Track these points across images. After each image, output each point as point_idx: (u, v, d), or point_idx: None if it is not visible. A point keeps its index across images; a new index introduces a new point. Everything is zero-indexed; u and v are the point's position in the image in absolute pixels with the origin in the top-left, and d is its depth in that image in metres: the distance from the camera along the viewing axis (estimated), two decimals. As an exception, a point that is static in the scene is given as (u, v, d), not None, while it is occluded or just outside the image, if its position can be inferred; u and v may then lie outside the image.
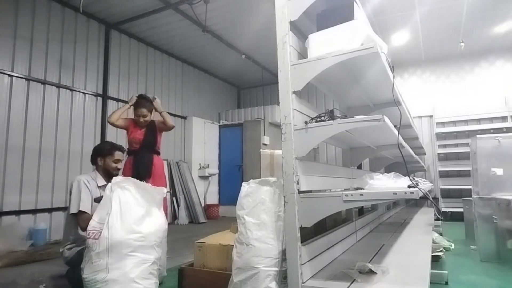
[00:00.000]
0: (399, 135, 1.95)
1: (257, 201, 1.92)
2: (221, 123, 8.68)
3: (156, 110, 3.20)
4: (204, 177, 7.77)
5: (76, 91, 5.37)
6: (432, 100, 7.29)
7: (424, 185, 3.08)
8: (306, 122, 1.75)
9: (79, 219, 2.29)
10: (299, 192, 1.69)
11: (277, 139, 5.79)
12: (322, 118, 1.74)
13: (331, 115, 1.72)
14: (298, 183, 1.69)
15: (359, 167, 3.09)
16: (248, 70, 8.49)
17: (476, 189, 3.58)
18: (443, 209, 6.59)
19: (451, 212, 6.45)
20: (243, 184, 2.03)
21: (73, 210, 2.30)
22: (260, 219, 1.88)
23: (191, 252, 2.71)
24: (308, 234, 1.91)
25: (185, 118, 7.74)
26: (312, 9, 1.88)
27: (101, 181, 2.51)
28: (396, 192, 1.54)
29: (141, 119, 3.08)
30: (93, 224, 1.89)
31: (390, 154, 3.19)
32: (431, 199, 1.84)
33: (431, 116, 7.17)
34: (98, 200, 2.36)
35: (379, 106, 2.61)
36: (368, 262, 1.87)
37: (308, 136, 1.72)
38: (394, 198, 1.66)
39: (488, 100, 6.82)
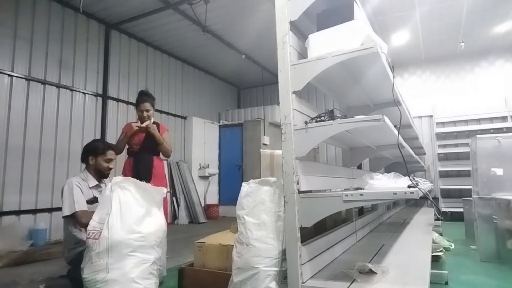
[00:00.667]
0: (399, 135, 1.95)
1: (257, 201, 1.92)
2: (221, 123, 8.68)
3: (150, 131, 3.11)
4: (204, 177, 7.77)
5: (76, 91, 5.37)
6: (432, 100, 7.29)
7: (424, 185, 3.08)
8: (306, 122, 1.75)
9: (79, 217, 2.23)
10: (299, 192, 1.69)
11: (277, 139, 5.78)
12: (322, 118, 1.74)
13: (331, 115, 1.72)
14: (298, 183, 1.69)
15: (359, 167, 3.08)
16: (248, 70, 8.49)
17: (476, 189, 3.58)
18: (443, 209, 6.59)
19: (451, 212, 6.45)
20: (243, 184, 2.03)
21: (66, 212, 2.25)
22: (260, 219, 1.88)
23: (191, 252, 2.71)
24: (308, 234, 1.91)
25: (185, 118, 7.74)
26: (312, 9, 1.88)
27: (92, 182, 2.46)
28: (396, 192, 1.54)
29: (145, 114, 3.08)
30: (93, 224, 1.88)
31: (390, 154, 3.19)
32: (431, 199, 1.84)
33: (431, 116, 7.17)
34: (90, 201, 2.35)
35: (379, 106, 2.60)
36: (368, 262, 1.87)
37: (308, 136, 1.72)
38: (394, 198, 1.65)
39: (488, 100, 6.82)
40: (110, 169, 2.56)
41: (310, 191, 1.82)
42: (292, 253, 1.64)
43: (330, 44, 1.74)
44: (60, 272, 2.73)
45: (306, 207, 1.67)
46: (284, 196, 1.71)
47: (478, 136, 3.68)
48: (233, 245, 1.97)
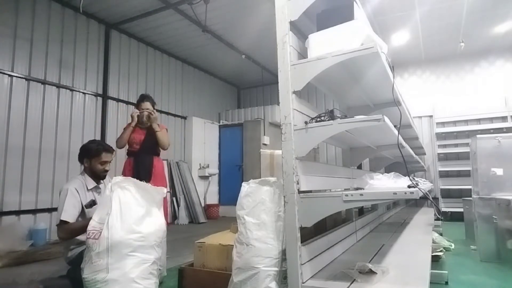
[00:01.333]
0: (399, 135, 1.95)
1: (257, 201, 1.92)
2: (221, 123, 8.68)
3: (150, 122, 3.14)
4: (204, 177, 7.77)
5: (76, 91, 5.37)
6: (432, 100, 7.29)
7: (424, 185, 3.08)
8: (306, 122, 1.74)
9: (58, 229, 2.18)
10: (299, 192, 1.69)
11: (277, 139, 5.79)
12: (322, 118, 1.74)
13: (331, 115, 1.72)
14: (298, 183, 1.69)
15: (359, 167, 3.08)
16: (248, 70, 8.49)
17: (476, 189, 3.58)
18: (443, 209, 6.59)
19: (451, 212, 6.45)
20: (243, 184, 2.03)
21: (57, 221, 2.21)
22: (260, 219, 1.88)
23: (191, 252, 2.71)
24: (308, 234, 1.91)
25: (185, 118, 7.74)
26: (312, 9, 1.88)
27: (91, 183, 2.42)
28: (396, 192, 1.54)
29: (145, 112, 3.10)
30: (93, 224, 1.88)
31: (390, 154, 3.19)
32: (431, 199, 1.84)
33: (431, 116, 7.17)
34: (89, 205, 2.33)
35: (379, 106, 2.60)
36: (368, 262, 1.87)
37: (308, 136, 1.72)
38: (394, 198, 1.65)
39: (488, 100, 6.82)
40: (106, 171, 2.48)
41: (310, 191, 1.82)
42: (292, 253, 1.64)
43: (330, 44, 1.74)
44: (60, 272, 2.72)
45: (306, 207, 1.67)
46: (284, 196, 1.71)
47: (478, 136, 3.68)
48: (233, 245, 1.97)
